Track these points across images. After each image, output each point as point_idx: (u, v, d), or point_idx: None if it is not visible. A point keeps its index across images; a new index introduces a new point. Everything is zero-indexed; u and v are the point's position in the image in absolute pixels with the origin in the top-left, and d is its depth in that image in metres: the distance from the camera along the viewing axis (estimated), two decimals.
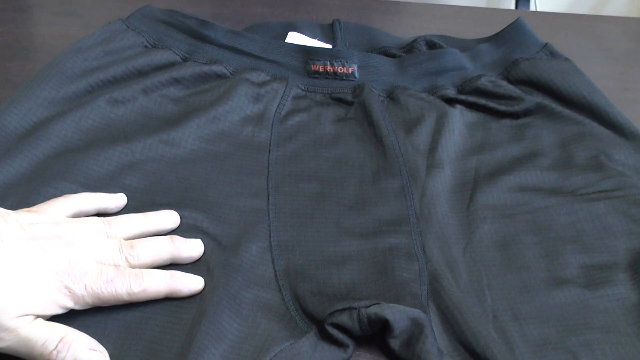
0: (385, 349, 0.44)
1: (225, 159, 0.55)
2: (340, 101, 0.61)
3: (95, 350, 0.41)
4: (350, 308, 0.43)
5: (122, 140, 0.54)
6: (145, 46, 0.62)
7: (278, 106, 0.59)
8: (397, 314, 0.43)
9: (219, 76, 0.61)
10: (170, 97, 0.59)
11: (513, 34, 0.66)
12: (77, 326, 0.42)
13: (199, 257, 0.47)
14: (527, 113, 0.60)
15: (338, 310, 0.43)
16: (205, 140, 0.56)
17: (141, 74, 0.60)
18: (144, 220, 0.48)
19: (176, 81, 0.60)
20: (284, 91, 0.60)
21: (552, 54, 0.64)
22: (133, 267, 0.44)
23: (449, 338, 0.44)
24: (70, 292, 0.41)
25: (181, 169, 0.53)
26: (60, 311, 0.42)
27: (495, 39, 0.66)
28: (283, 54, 0.63)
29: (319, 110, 0.60)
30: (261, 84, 0.60)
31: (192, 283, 0.45)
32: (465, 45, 0.67)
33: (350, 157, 0.56)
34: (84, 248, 0.43)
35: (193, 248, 0.47)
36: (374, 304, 0.43)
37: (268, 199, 0.52)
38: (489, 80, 0.62)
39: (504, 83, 0.62)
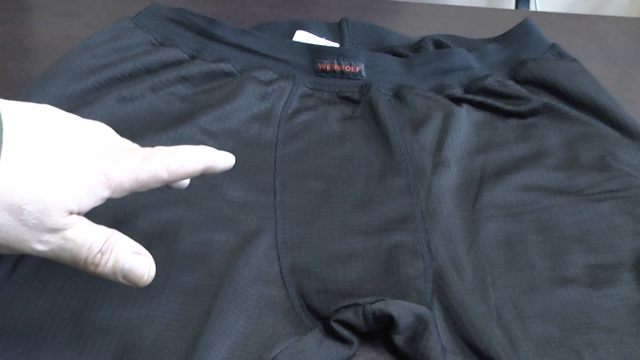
0: (390, 346, 0.44)
1: None
2: (347, 100, 0.61)
3: (140, 254, 0.38)
4: (356, 304, 0.44)
5: (129, 137, 0.54)
6: (153, 44, 0.62)
7: (285, 104, 0.59)
8: (402, 310, 0.43)
9: (227, 74, 0.61)
10: (178, 95, 0.59)
11: (520, 34, 0.65)
12: (84, 323, 0.42)
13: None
14: (533, 113, 0.60)
15: (343, 307, 0.44)
16: (212, 138, 0.56)
17: (149, 71, 0.60)
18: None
19: (184, 79, 0.60)
20: (291, 89, 0.60)
21: (560, 54, 0.64)
22: (172, 170, 0.40)
23: (452, 335, 0.44)
24: (107, 178, 0.37)
25: None
26: (97, 202, 0.38)
27: (502, 39, 0.66)
28: (290, 52, 0.63)
29: (326, 109, 0.60)
30: (268, 82, 0.60)
31: (225, 159, 0.42)
32: (472, 45, 0.67)
33: (357, 155, 0.56)
34: (116, 136, 0.41)
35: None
36: (379, 300, 0.44)
37: (274, 196, 0.52)
38: (496, 80, 0.62)
39: (511, 83, 0.62)
